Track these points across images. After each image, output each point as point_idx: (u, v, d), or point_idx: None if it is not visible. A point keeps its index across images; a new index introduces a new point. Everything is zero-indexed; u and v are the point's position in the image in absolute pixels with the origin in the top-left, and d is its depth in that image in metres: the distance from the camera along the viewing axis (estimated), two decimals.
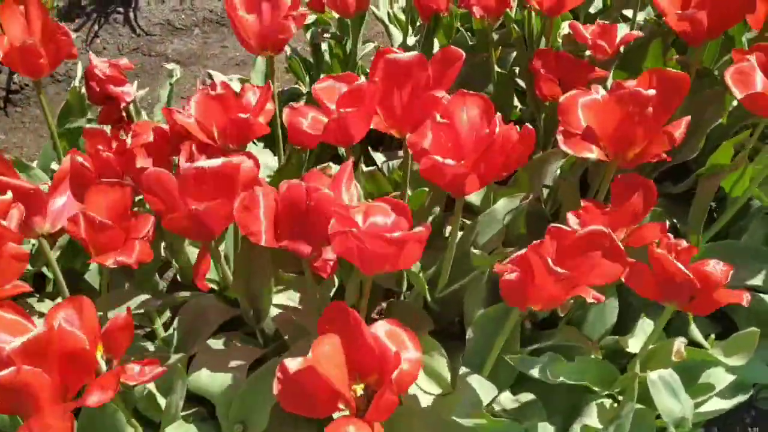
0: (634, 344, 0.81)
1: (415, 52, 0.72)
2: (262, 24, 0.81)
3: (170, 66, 1.18)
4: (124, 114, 0.91)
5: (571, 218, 0.68)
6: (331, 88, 0.73)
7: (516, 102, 1.18)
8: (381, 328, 0.59)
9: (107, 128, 0.92)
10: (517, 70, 1.20)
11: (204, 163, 0.63)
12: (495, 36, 1.22)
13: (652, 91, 0.68)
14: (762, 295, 0.89)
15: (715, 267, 0.63)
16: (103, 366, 0.56)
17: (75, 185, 0.73)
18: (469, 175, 0.64)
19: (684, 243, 0.66)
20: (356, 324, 0.57)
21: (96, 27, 1.66)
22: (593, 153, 0.69)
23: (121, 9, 1.68)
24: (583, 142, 0.69)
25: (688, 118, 0.71)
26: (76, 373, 0.51)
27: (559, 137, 0.70)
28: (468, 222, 0.87)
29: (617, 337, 0.84)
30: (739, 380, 0.82)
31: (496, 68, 1.10)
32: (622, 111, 0.69)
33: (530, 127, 0.74)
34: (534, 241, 0.63)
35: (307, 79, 1.26)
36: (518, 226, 0.89)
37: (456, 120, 0.69)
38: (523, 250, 0.61)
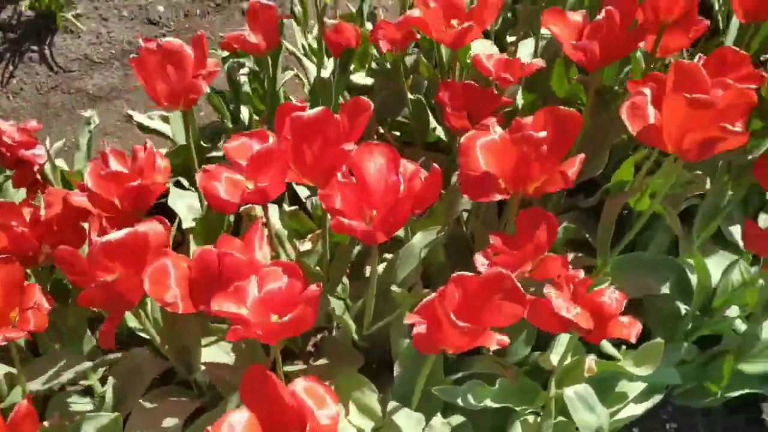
0: (554, 360, 0.86)
1: (319, 108, 0.74)
2: (171, 84, 0.83)
3: (87, 113, 1.17)
4: (38, 176, 0.91)
5: (479, 259, 0.72)
6: (242, 146, 0.75)
7: (434, 123, 1.21)
8: (300, 385, 0.61)
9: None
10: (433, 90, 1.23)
11: (109, 236, 0.64)
12: (411, 60, 1.26)
13: (543, 133, 0.72)
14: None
15: (611, 297, 0.67)
16: None
17: None
18: (377, 232, 0.67)
19: (581, 274, 0.70)
20: (274, 386, 0.59)
21: (11, 67, 1.63)
22: (492, 196, 0.73)
23: (35, 47, 1.65)
24: (482, 188, 0.73)
25: (582, 156, 0.75)
26: None
27: (458, 180, 0.74)
28: (389, 256, 0.90)
29: (537, 353, 0.89)
30: (652, 384, 0.88)
31: (410, 95, 1.13)
32: (517, 152, 0.73)
33: (437, 167, 0.78)
34: (456, 268, 0.67)
35: (229, 114, 1.27)
36: (438, 255, 0.93)
37: (364, 170, 0.72)
38: (432, 296, 0.65)
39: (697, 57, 0.81)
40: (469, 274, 0.65)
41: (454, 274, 0.64)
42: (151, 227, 0.67)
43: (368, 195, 0.72)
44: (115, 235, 0.64)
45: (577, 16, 0.90)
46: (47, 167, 0.93)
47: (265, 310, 0.63)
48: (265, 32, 1.04)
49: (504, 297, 0.64)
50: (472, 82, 0.99)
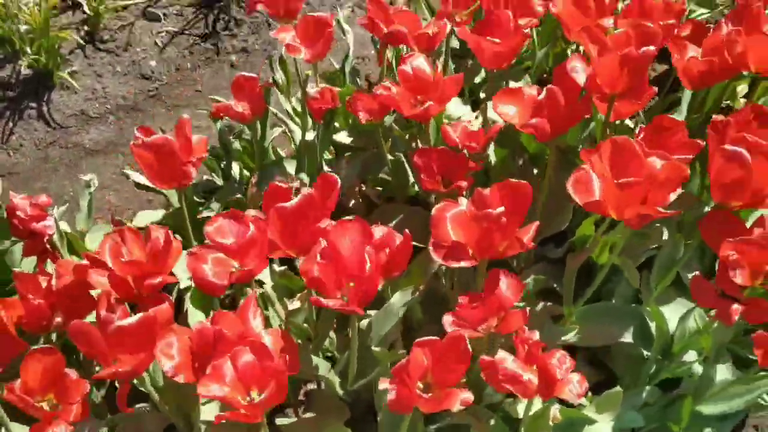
0: (521, 407, 0.93)
1: (300, 197, 0.82)
2: (165, 173, 0.91)
3: (87, 177, 1.24)
4: (48, 245, 0.98)
5: (446, 319, 0.79)
6: (221, 227, 0.82)
7: (413, 178, 1.29)
8: None
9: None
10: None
11: (124, 322, 0.71)
12: (391, 118, 1.34)
13: (501, 209, 0.80)
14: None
15: (559, 361, 0.75)
16: None
17: None
18: (352, 306, 0.75)
19: (536, 336, 0.78)
20: None
21: (11, 124, 1.70)
22: (461, 263, 0.81)
23: (33, 104, 1.73)
24: (452, 255, 0.81)
25: (537, 222, 0.83)
26: None
27: (431, 249, 0.82)
28: (372, 312, 0.98)
29: (510, 399, 0.96)
30: (616, 428, 0.95)
31: (390, 155, 1.21)
32: (479, 225, 0.81)
33: (408, 234, 0.86)
34: (433, 321, 0.74)
35: (221, 171, 1.35)
36: (416, 311, 1.01)
37: (340, 245, 0.80)
38: (402, 362, 0.72)
39: (638, 128, 0.90)
40: (432, 338, 0.73)
41: (418, 340, 0.72)
42: (158, 307, 0.75)
43: (344, 268, 0.80)
44: (129, 320, 0.71)
45: (532, 90, 0.99)
46: (55, 238, 1.00)
47: (243, 386, 0.70)
48: (250, 102, 1.13)
49: (456, 356, 0.72)
50: (445, 148, 1.07)
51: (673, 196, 0.80)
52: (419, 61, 1.06)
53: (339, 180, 0.85)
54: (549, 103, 0.93)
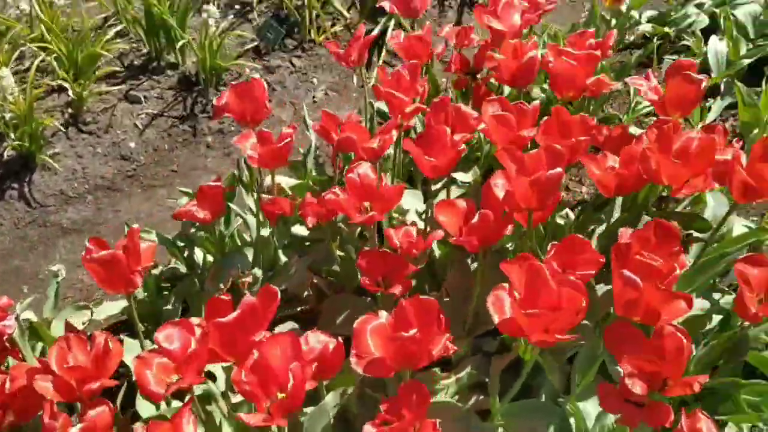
0: None
1: (237, 312, 0.90)
2: (113, 281, 0.99)
3: (55, 267, 1.32)
4: (8, 344, 1.05)
5: (367, 429, 0.87)
6: (170, 334, 0.90)
7: None
8: None
9: None
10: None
11: None
12: None
13: (413, 331, 0.87)
14: None
15: None
16: None
17: None
18: (275, 419, 0.82)
19: None
20: None
21: None
22: (380, 375, 0.89)
23: (15, 185, 1.82)
24: (371, 369, 0.88)
25: (448, 335, 0.91)
26: None
27: (352, 360, 0.90)
28: (309, 410, 1.05)
29: None
30: None
31: (339, 252, 1.30)
32: (397, 343, 0.89)
33: (341, 342, 0.94)
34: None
35: (184, 259, 1.43)
36: (352, 405, 1.07)
37: (271, 357, 0.87)
38: None
39: (549, 245, 0.99)
40: None
41: None
42: (99, 412, 0.82)
43: (275, 379, 0.87)
44: (71, 430, 0.79)
45: (462, 203, 1.08)
46: (15, 335, 1.08)
47: None
48: (211, 207, 1.21)
49: None
50: (387, 251, 1.16)
51: (577, 319, 0.88)
52: (365, 169, 1.16)
53: (279, 292, 0.93)
54: (480, 225, 1.02)
